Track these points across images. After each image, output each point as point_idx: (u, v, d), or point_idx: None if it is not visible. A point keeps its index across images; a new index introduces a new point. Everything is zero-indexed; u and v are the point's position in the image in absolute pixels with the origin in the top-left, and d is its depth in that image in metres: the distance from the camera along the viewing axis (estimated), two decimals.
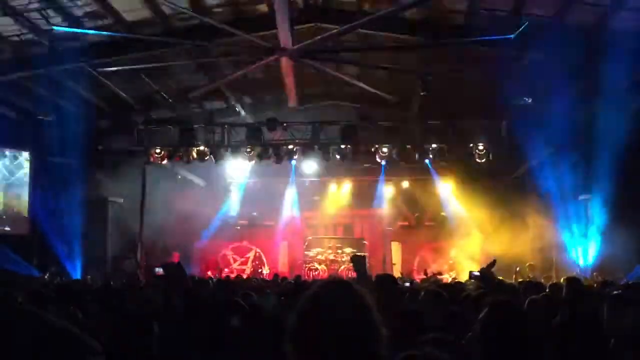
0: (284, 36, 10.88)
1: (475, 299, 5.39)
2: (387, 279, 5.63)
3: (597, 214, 15.17)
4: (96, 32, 12.78)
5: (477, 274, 6.74)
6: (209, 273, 19.25)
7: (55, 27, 11.96)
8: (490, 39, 11.93)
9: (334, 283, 1.99)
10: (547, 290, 7.59)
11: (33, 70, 13.65)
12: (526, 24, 10.95)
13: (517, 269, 15.55)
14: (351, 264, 18.70)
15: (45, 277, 13.42)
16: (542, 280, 11.46)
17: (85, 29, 12.68)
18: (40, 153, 16.13)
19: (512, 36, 10.96)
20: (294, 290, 7.67)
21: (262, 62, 11.90)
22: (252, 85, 17.65)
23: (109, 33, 12.88)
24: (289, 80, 12.38)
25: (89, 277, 14.30)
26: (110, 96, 16.66)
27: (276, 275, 14.15)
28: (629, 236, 13.24)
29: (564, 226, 16.30)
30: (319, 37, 11.77)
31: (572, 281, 6.81)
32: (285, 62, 11.58)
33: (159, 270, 15.19)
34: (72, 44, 12.91)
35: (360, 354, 1.78)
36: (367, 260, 19.04)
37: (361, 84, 13.38)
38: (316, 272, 20.35)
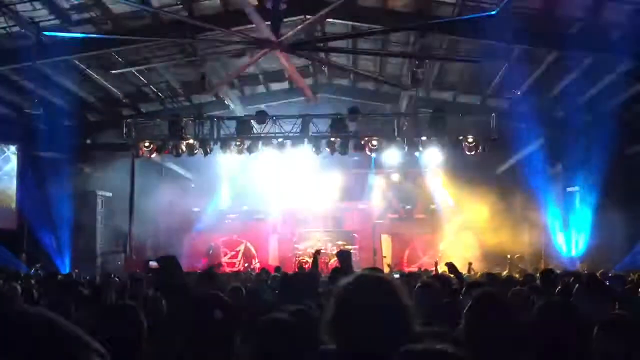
0: (267, 29, 10.84)
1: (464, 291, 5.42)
2: (373, 272, 5.61)
3: (585, 206, 15.27)
4: (85, 35, 12.70)
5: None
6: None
7: (45, 33, 11.93)
8: (473, 17, 11.92)
9: (367, 275, 2.25)
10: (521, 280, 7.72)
11: (20, 64, 13.53)
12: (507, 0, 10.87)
13: (509, 258, 15.62)
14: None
15: (31, 272, 13.34)
16: (531, 272, 11.52)
17: (72, 21, 12.58)
18: (28, 147, 16.01)
19: (494, 12, 10.89)
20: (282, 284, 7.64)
21: (258, 55, 11.84)
22: (241, 78, 17.60)
23: (99, 36, 12.81)
24: (296, 75, 12.32)
25: (75, 271, 14.22)
26: (98, 90, 16.56)
27: (264, 270, 14.09)
28: (616, 228, 13.36)
29: (552, 218, 16.41)
30: (301, 25, 11.75)
31: (546, 273, 6.93)
32: (282, 57, 11.53)
33: (154, 264, 15.13)
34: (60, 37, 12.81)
35: (393, 333, 1.97)
36: (353, 253, 19.13)
37: (355, 69, 13.32)
38: (306, 265, 20.34)
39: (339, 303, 2.07)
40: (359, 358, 1.99)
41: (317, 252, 9.15)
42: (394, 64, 17.26)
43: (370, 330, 1.97)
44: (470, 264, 13.85)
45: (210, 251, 20.77)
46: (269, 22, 10.97)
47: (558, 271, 9.75)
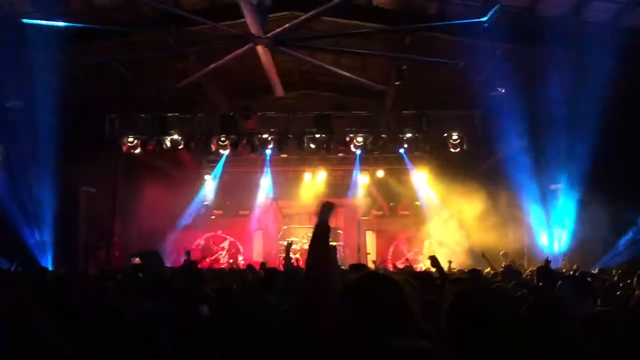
0: (254, 24, 10.79)
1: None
2: (359, 269, 5.63)
3: (568, 202, 15.41)
4: (67, 24, 12.51)
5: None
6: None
7: (24, 20, 11.73)
8: (463, 22, 11.98)
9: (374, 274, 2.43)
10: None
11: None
12: (497, 7, 10.94)
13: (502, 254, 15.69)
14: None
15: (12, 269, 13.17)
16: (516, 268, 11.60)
17: (53, 12, 12.42)
18: (10, 142, 15.81)
19: (485, 19, 10.98)
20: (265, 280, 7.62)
21: (238, 51, 11.78)
22: (226, 74, 17.48)
23: (81, 25, 12.64)
24: (271, 70, 12.26)
25: (59, 267, 14.09)
26: (82, 84, 16.37)
27: (250, 266, 14.07)
28: (600, 224, 13.49)
29: (536, 215, 16.53)
30: (290, 24, 11.70)
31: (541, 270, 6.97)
32: (262, 52, 11.47)
33: (135, 259, 15.02)
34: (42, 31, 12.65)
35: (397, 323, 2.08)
36: (337, 250, 19.13)
37: (339, 71, 13.27)
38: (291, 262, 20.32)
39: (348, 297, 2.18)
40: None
41: (289, 244, 9.27)
42: (379, 61, 17.26)
43: (374, 323, 2.07)
44: (449, 262, 13.87)
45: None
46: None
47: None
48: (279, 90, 13.14)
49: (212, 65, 12.64)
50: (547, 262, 10.53)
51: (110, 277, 7.62)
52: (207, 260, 20.49)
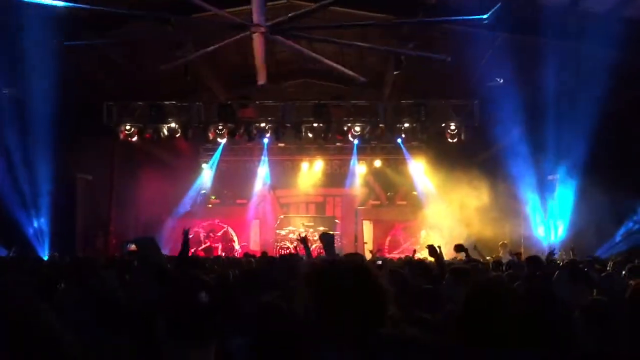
0: (258, 12, 10.73)
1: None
2: (354, 258, 5.62)
3: (565, 193, 15.44)
4: (66, 4, 12.38)
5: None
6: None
7: None
8: (463, 19, 11.95)
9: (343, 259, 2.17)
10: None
11: None
12: (498, 6, 10.93)
13: (500, 244, 15.70)
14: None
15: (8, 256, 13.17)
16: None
17: None
18: (7, 129, 15.74)
19: (485, 16, 10.96)
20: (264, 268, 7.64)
21: (233, 38, 11.72)
22: (224, 62, 17.44)
23: (79, 5, 12.50)
24: (260, 57, 12.20)
25: (55, 254, 14.08)
26: (79, 71, 16.30)
27: (246, 254, 14.11)
28: (598, 213, 13.53)
29: (533, 205, 16.57)
30: (293, 14, 11.64)
31: (532, 259, 7.01)
32: (257, 39, 11.41)
33: (131, 246, 15.01)
34: (38, 18, 12.55)
35: (368, 315, 2.02)
36: (335, 238, 19.13)
37: (331, 63, 13.21)
38: (287, 251, 20.36)
39: (317, 285, 2.10)
40: (336, 338, 1.99)
41: (303, 239, 8.72)
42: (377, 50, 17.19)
43: (346, 311, 1.99)
44: (439, 247, 13.86)
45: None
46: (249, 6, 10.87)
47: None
48: (261, 78, 13.05)
49: (204, 50, 12.58)
50: (551, 253, 10.58)
51: (108, 265, 7.62)
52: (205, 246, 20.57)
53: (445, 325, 3.20)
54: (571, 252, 12.79)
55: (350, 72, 13.28)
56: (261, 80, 13.08)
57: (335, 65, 13.17)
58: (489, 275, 6.42)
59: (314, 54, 13.17)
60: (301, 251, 17.62)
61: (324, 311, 2.01)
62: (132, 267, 6.22)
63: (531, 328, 2.61)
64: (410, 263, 8.04)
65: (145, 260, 4.27)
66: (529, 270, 6.40)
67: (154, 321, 2.32)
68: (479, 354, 2.38)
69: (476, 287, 2.79)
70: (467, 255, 7.30)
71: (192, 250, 20.12)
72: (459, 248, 7.25)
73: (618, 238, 13.87)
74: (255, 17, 10.90)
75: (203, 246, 20.83)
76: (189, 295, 2.11)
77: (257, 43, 11.48)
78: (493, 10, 10.78)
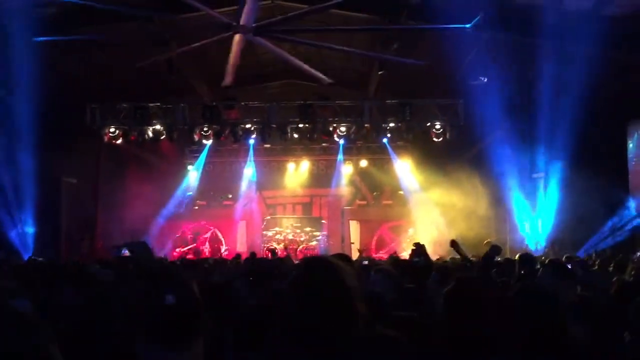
0: (248, 14, 10.71)
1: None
2: (340, 258, 5.61)
3: (551, 190, 15.55)
4: None
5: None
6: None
7: None
8: (446, 27, 12.05)
9: (316, 262, 2.21)
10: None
11: None
12: (479, 16, 11.07)
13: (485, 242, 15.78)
14: (310, 243, 18.59)
15: None
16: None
17: None
18: None
19: (468, 25, 11.08)
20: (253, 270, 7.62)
21: (216, 37, 11.69)
22: (209, 63, 17.37)
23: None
24: (234, 58, 12.13)
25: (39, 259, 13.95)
26: (63, 73, 16.17)
27: (238, 255, 14.07)
28: (583, 210, 13.64)
29: (518, 204, 16.67)
30: (283, 16, 11.65)
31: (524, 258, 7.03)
32: (237, 40, 11.37)
33: (125, 252, 14.89)
34: (20, 17, 12.44)
35: (338, 329, 1.93)
36: (322, 239, 19.15)
37: (300, 63, 13.13)
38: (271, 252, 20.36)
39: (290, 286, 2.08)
40: (305, 339, 1.97)
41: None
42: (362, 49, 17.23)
43: (314, 309, 1.96)
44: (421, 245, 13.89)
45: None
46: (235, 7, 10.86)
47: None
48: (228, 80, 12.99)
49: (187, 47, 12.52)
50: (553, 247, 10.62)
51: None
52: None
53: (428, 324, 3.21)
54: (552, 249, 12.91)
55: (318, 74, 13.22)
56: (227, 81, 12.98)
57: (303, 65, 13.07)
58: (473, 273, 6.45)
59: (286, 56, 13.08)
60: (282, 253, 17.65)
61: (295, 311, 1.99)
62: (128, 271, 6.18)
63: (518, 324, 2.63)
64: (397, 262, 8.06)
65: (139, 265, 4.25)
66: (518, 269, 6.44)
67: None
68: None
69: (456, 286, 2.81)
70: (460, 253, 7.31)
71: (180, 252, 20.09)
72: (454, 244, 7.28)
73: (604, 233, 13.99)
74: (244, 18, 10.88)
75: (190, 246, 20.76)
76: (156, 296, 2.07)
77: (236, 44, 11.44)
78: (475, 20, 10.92)
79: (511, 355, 2.47)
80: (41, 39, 12.93)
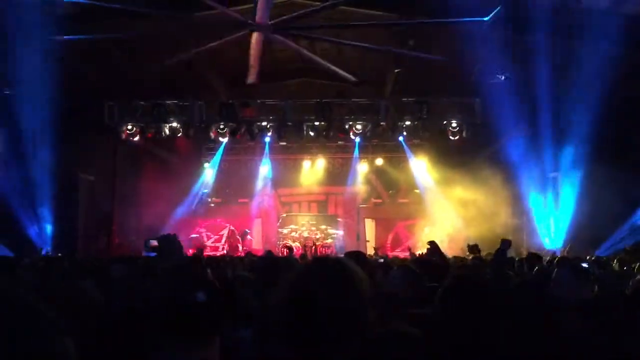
0: (263, 11, 10.73)
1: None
2: (356, 256, 5.60)
3: (568, 190, 15.42)
4: None
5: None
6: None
7: None
8: (463, 20, 11.94)
9: (325, 260, 2.07)
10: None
11: None
12: (498, 8, 10.97)
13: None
14: (326, 241, 18.60)
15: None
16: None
17: None
18: (9, 129, 15.74)
19: (486, 19, 10.99)
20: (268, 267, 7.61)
21: (234, 36, 11.72)
22: (226, 61, 17.42)
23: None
24: (255, 56, 12.17)
25: (58, 254, 14.09)
26: (80, 71, 16.30)
27: (249, 253, 14.09)
28: (598, 211, 13.50)
29: (535, 203, 16.55)
30: (298, 13, 11.64)
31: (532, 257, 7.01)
32: (256, 38, 11.40)
33: (154, 242, 15.04)
34: (39, 15, 12.54)
35: (346, 331, 1.82)
36: (337, 237, 19.13)
37: (325, 63, 13.14)
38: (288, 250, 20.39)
39: (291, 294, 1.94)
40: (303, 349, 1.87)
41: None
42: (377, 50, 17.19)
43: (314, 324, 1.83)
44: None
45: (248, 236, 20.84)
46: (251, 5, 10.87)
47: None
48: (252, 77, 13.01)
49: (205, 47, 12.56)
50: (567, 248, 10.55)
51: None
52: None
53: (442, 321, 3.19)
54: (567, 250, 12.81)
55: (344, 73, 13.21)
56: (251, 79, 13.02)
57: (330, 65, 13.08)
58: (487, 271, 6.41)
59: (309, 54, 13.11)
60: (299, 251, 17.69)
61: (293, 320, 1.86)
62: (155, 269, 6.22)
63: (522, 322, 2.61)
64: (418, 260, 8.03)
65: (169, 258, 4.28)
66: (528, 267, 6.40)
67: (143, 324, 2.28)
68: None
69: (452, 282, 2.80)
70: (479, 257, 7.27)
71: (195, 250, 20.17)
72: (473, 249, 7.25)
73: (624, 232, 13.84)
74: (259, 15, 10.90)
75: (207, 243, 20.84)
76: (186, 293, 2.09)
77: (256, 42, 11.46)
78: (494, 12, 10.81)
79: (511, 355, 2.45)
80: (61, 37, 13.00)
